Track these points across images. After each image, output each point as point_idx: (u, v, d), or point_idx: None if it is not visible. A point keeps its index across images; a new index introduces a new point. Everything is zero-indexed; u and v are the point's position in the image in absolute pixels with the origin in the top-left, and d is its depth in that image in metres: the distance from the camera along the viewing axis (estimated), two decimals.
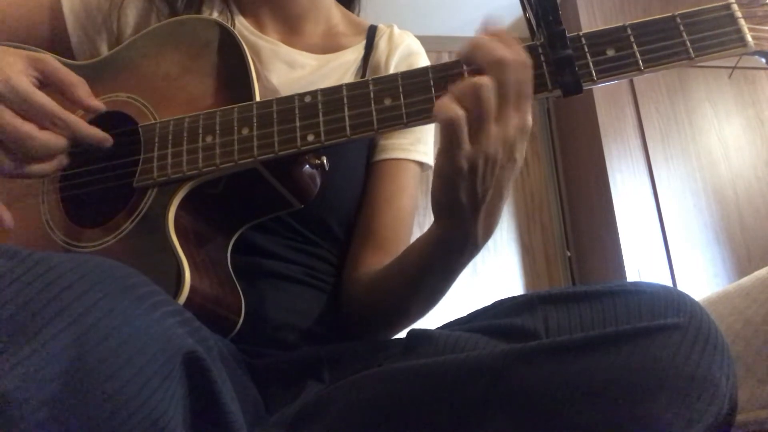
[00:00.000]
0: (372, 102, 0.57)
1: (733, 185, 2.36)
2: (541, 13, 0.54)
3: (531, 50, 0.55)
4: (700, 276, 2.20)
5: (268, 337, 0.69)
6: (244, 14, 0.84)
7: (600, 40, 0.55)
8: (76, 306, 0.35)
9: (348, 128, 0.57)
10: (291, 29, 0.86)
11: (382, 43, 0.86)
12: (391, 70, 0.83)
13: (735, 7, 0.55)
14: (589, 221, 2.51)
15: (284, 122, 0.59)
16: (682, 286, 2.14)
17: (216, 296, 0.60)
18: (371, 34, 0.88)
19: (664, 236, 2.24)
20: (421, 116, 0.56)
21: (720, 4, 0.55)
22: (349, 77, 0.83)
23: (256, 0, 0.85)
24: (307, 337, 0.72)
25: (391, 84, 0.57)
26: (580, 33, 0.55)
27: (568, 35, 0.54)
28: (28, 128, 0.57)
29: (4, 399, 0.31)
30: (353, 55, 0.85)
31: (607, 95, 2.41)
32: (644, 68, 0.54)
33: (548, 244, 2.64)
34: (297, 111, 0.59)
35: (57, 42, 0.80)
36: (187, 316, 0.45)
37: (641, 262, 2.20)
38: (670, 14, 0.55)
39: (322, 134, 0.57)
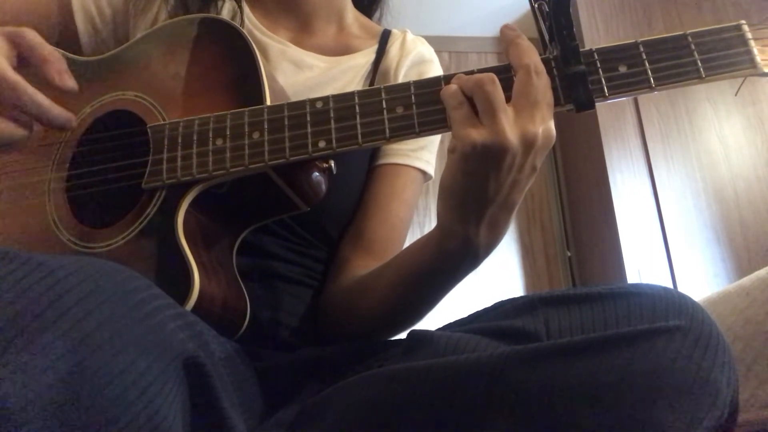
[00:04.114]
0: (384, 110, 0.57)
1: (733, 185, 2.36)
2: (556, 27, 0.54)
3: (544, 64, 0.55)
4: (700, 276, 2.20)
5: (269, 338, 0.69)
6: (254, 10, 0.83)
7: (612, 56, 0.55)
8: (76, 310, 0.35)
9: (360, 136, 0.57)
10: (302, 27, 0.84)
11: (393, 49, 0.85)
12: (401, 77, 0.82)
13: (746, 28, 0.55)
14: (589, 221, 2.51)
15: (295, 128, 0.58)
16: (682, 286, 2.14)
17: (223, 299, 0.60)
18: (384, 38, 0.86)
19: (664, 236, 2.24)
20: (434, 126, 0.56)
21: (731, 24, 0.55)
22: (357, 81, 0.82)
23: None
24: (307, 337, 0.72)
25: (404, 93, 0.57)
26: (593, 48, 0.55)
27: (581, 50, 0.54)
28: None
29: (3, 404, 0.31)
30: (364, 59, 0.84)
31: None
32: (655, 86, 0.54)
33: (548, 244, 2.64)
34: (308, 117, 0.58)
35: (66, 37, 0.79)
36: (190, 320, 0.45)
37: (641, 263, 2.20)
38: (681, 33, 0.55)
39: (334, 141, 0.57)
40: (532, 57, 0.53)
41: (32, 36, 0.60)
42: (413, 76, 0.83)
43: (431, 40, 0.91)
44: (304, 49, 0.82)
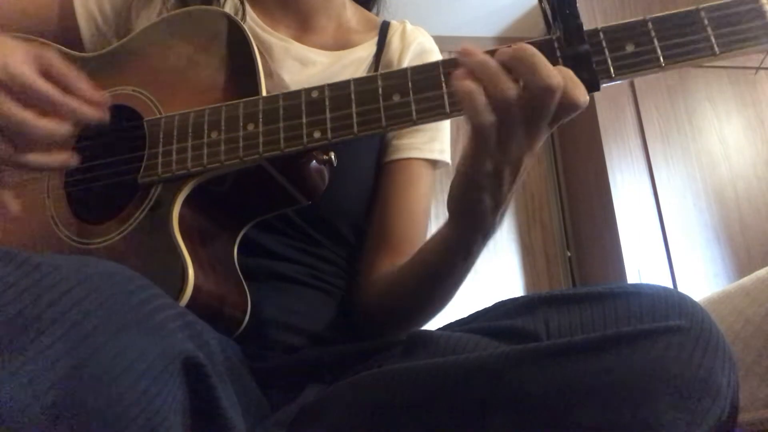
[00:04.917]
0: (380, 98, 0.55)
1: (733, 185, 2.36)
2: (558, 5, 0.52)
3: (547, 44, 0.53)
4: (700, 276, 2.20)
5: (271, 339, 0.69)
6: (254, 8, 0.83)
7: (619, 35, 0.52)
8: (75, 311, 0.34)
9: (355, 125, 0.56)
10: (303, 24, 0.85)
11: (395, 41, 0.85)
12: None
13: (763, 0, 0.51)
14: (589, 221, 2.51)
15: (290, 118, 0.57)
16: (682, 286, 2.14)
17: (221, 294, 0.59)
18: (384, 30, 0.87)
19: (664, 236, 2.24)
20: (432, 113, 0.54)
21: None
22: (360, 74, 0.82)
23: None
24: (311, 339, 0.72)
25: (401, 80, 0.56)
26: (599, 27, 0.53)
27: (585, 30, 0.52)
28: (28, 115, 0.55)
29: (2, 406, 0.31)
30: (365, 51, 0.84)
31: (607, 95, 2.41)
32: (665, 64, 0.51)
33: (548, 244, 2.64)
34: (303, 107, 0.57)
35: (67, 36, 0.79)
36: (189, 320, 0.44)
37: (641, 262, 2.20)
38: (693, 8, 0.52)
39: (329, 131, 0.56)
40: (551, 78, 0.49)
41: (54, 54, 0.59)
42: None
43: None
44: (306, 45, 0.82)
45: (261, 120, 0.58)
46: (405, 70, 0.56)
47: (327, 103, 0.57)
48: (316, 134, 0.56)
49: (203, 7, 0.72)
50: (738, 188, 2.36)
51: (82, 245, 0.60)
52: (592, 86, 0.51)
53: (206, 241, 0.61)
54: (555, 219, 2.70)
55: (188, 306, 0.54)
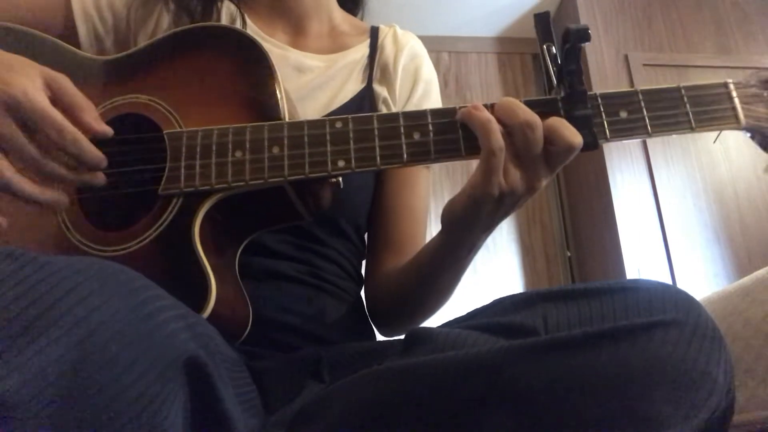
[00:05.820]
0: (402, 135, 0.60)
1: (733, 185, 2.37)
2: (566, 72, 0.58)
3: (551, 104, 0.59)
4: (700, 276, 2.20)
5: (271, 338, 0.69)
6: (250, 16, 0.85)
7: (614, 101, 0.60)
8: (79, 309, 0.35)
9: (378, 158, 0.60)
10: (298, 30, 0.87)
11: (387, 44, 0.88)
12: (399, 71, 0.86)
13: (732, 86, 0.61)
14: (589, 221, 2.51)
15: (315, 146, 0.60)
16: (682, 286, 2.14)
17: (232, 305, 0.60)
18: (374, 34, 0.90)
19: (664, 236, 2.24)
20: (449, 153, 0.60)
21: (719, 82, 0.61)
22: (356, 76, 0.84)
23: (262, 1, 0.86)
24: (310, 338, 0.72)
25: (421, 121, 0.60)
26: (597, 93, 0.60)
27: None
28: (30, 146, 0.55)
29: (5, 401, 0.31)
30: (358, 54, 0.86)
31: None
32: (652, 133, 0.59)
33: (548, 244, 2.64)
34: (328, 136, 0.60)
35: (68, 34, 0.80)
36: (191, 321, 0.45)
37: (641, 262, 2.20)
38: (675, 86, 0.60)
39: (353, 161, 0.60)
40: (525, 114, 0.57)
41: (68, 82, 0.60)
42: (411, 70, 0.87)
43: (431, 40, 0.93)
44: (301, 51, 0.84)
45: (286, 144, 0.60)
46: (425, 112, 0.61)
47: (351, 135, 0.61)
48: (341, 163, 0.60)
49: (221, 24, 0.75)
50: (738, 188, 2.36)
51: (98, 251, 0.60)
52: (592, 145, 0.59)
53: (219, 253, 0.62)
54: (555, 219, 2.70)
55: (208, 317, 0.54)
